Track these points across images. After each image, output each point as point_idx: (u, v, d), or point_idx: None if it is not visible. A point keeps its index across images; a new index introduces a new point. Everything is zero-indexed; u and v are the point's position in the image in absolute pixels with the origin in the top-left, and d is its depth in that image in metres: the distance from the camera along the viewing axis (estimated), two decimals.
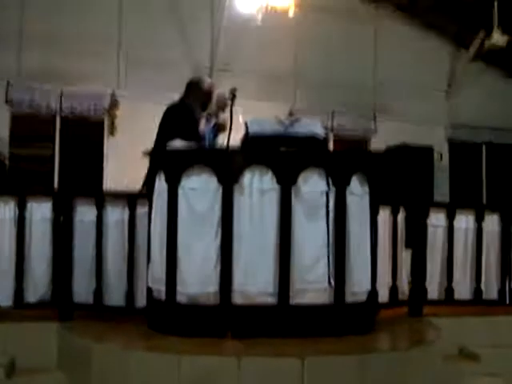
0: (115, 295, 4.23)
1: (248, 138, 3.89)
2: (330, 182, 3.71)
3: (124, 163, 7.23)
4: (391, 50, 9.20)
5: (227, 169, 3.64)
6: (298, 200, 3.67)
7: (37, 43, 7.59)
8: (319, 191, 3.71)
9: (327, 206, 3.70)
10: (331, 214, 3.70)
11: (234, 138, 4.23)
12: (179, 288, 3.63)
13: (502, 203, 8.18)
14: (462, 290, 4.83)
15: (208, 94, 4.95)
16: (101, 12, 7.98)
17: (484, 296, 4.86)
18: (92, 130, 7.99)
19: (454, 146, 9.75)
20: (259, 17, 7.59)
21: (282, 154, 3.71)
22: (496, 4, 8.15)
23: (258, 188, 3.65)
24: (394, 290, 4.61)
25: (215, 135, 5.07)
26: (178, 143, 4.18)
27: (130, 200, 4.24)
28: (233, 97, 4.49)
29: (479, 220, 4.86)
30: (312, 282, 3.63)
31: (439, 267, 4.82)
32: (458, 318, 4.52)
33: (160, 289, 3.74)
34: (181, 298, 3.64)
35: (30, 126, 7.80)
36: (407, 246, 4.68)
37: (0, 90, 7.62)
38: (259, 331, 3.52)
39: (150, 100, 7.59)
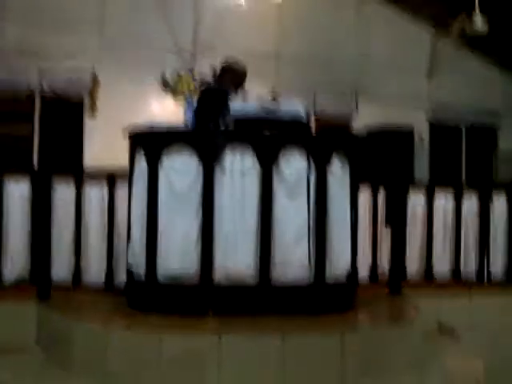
0: (95, 274, 4.21)
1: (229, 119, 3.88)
2: (311, 162, 3.72)
3: (105, 142, 7.14)
4: (373, 32, 9.18)
5: (208, 149, 3.62)
6: (279, 180, 3.68)
7: (14, 18, 7.41)
8: (300, 171, 3.71)
9: (308, 186, 3.71)
10: (312, 194, 3.71)
11: None
12: (160, 267, 3.62)
13: (480, 183, 8.30)
14: (441, 268, 4.90)
15: (242, 77, 4.90)
16: None
17: (462, 274, 4.94)
18: (72, 108, 7.85)
19: (435, 127, 9.81)
20: None
21: (263, 135, 3.69)
22: None
23: (239, 168, 3.64)
24: (373, 268, 4.65)
25: None
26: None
27: (110, 179, 4.20)
28: (214, 77, 4.46)
29: (458, 199, 4.92)
30: (293, 261, 3.65)
31: (418, 246, 4.88)
32: (436, 296, 4.60)
33: (140, 268, 3.72)
34: (161, 276, 3.63)
35: (7, 104, 7.65)
36: (387, 224, 4.72)
37: None
38: (240, 309, 3.54)
39: (130, 80, 7.50)
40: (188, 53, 8.23)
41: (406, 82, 9.26)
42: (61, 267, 4.15)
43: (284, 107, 3.93)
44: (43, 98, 7.70)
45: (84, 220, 4.19)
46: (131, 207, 3.88)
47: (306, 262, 3.67)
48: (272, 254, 3.62)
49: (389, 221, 4.69)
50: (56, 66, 7.52)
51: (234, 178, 3.63)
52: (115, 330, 3.36)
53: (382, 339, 3.38)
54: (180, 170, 3.64)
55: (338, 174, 3.83)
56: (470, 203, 4.99)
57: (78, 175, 4.28)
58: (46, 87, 7.59)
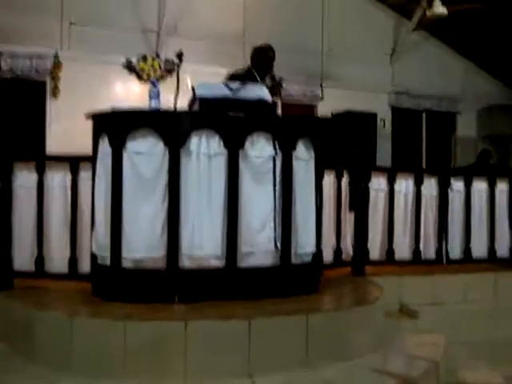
0: (58, 262, 4.13)
1: (195, 102, 3.84)
2: (277, 147, 3.73)
3: (67, 126, 7.01)
4: (338, 18, 9.22)
5: (174, 132, 3.59)
6: (246, 164, 3.68)
7: None
8: (266, 156, 3.73)
9: (274, 171, 3.72)
10: (278, 178, 3.73)
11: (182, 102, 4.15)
12: (125, 253, 3.58)
13: (440, 168, 8.49)
14: (402, 250, 5.01)
15: (272, 61, 4.85)
16: None
17: (422, 256, 5.07)
18: (34, 91, 7.65)
19: (397, 112, 9.96)
20: None
21: (230, 118, 3.68)
22: None
23: (205, 152, 3.63)
24: (338, 251, 4.73)
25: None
26: None
27: (73, 164, 4.11)
28: (179, 60, 4.40)
29: (418, 183, 5.03)
30: (259, 245, 3.68)
31: (381, 229, 4.98)
32: (398, 277, 4.72)
33: (105, 255, 3.67)
34: (126, 263, 3.60)
35: None
36: (351, 208, 4.79)
37: None
38: (207, 295, 3.55)
39: (94, 62, 7.35)
40: (153, 34, 8.10)
41: (370, 67, 9.36)
42: (23, 256, 4.05)
43: (249, 89, 3.92)
44: (3, 81, 7.48)
45: (46, 207, 4.10)
46: (95, 192, 3.81)
47: (273, 245, 3.70)
48: (239, 238, 3.63)
49: (352, 205, 4.76)
50: (18, 48, 7.32)
51: (200, 162, 3.62)
52: (79, 318, 3.32)
53: (347, 320, 3.45)
54: (145, 153, 3.60)
55: (304, 157, 3.86)
56: (430, 187, 5.11)
57: (40, 160, 4.16)
58: (6, 69, 7.37)
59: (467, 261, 5.22)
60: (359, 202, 4.76)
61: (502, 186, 5.40)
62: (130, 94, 7.88)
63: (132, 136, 3.59)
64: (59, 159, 4.22)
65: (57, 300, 3.73)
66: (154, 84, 4.84)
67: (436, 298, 4.74)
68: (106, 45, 7.53)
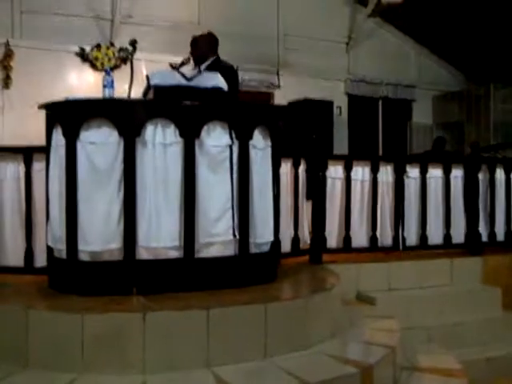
0: (13, 255, 4.04)
1: (149, 91, 3.79)
2: (234, 136, 3.72)
3: (20, 117, 6.83)
4: (294, 6, 9.23)
5: (128, 121, 3.53)
6: (202, 153, 3.65)
7: None
8: (223, 144, 3.70)
9: (231, 160, 3.71)
10: (235, 167, 3.72)
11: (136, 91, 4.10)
12: (81, 246, 3.52)
13: (396, 155, 8.64)
14: (359, 237, 5.09)
15: (217, 40, 5.04)
16: None
17: (379, 243, 5.15)
18: None
19: (353, 100, 10.07)
20: None
21: (185, 107, 3.65)
22: None
23: (160, 141, 3.58)
24: (295, 239, 4.76)
25: None
26: None
27: (26, 155, 4.01)
28: (133, 49, 4.34)
29: (374, 171, 5.10)
30: (217, 235, 3.67)
31: (338, 217, 5.04)
32: (355, 265, 4.79)
33: (60, 247, 3.60)
34: (83, 255, 3.53)
35: None
36: (308, 197, 4.83)
37: None
38: (165, 286, 3.52)
39: (47, 50, 7.17)
40: (108, 22, 7.95)
41: (327, 55, 9.43)
42: None
43: (204, 77, 3.89)
44: None
45: (0, 199, 4.00)
46: (49, 184, 3.72)
47: (231, 235, 3.70)
48: (196, 229, 3.61)
49: (309, 193, 4.80)
50: None
51: (155, 152, 3.57)
52: (36, 311, 3.25)
53: (305, 308, 3.48)
54: (99, 144, 3.52)
55: (261, 146, 3.85)
56: (386, 174, 5.19)
57: None
58: None
59: (423, 247, 5.32)
60: (316, 190, 4.80)
61: (456, 172, 5.48)
62: (84, 83, 7.73)
63: (86, 126, 3.51)
64: (12, 150, 4.12)
65: (12, 293, 3.64)
66: (107, 73, 4.73)
67: (393, 284, 4.84)
68: (59, 33, 7.37)
